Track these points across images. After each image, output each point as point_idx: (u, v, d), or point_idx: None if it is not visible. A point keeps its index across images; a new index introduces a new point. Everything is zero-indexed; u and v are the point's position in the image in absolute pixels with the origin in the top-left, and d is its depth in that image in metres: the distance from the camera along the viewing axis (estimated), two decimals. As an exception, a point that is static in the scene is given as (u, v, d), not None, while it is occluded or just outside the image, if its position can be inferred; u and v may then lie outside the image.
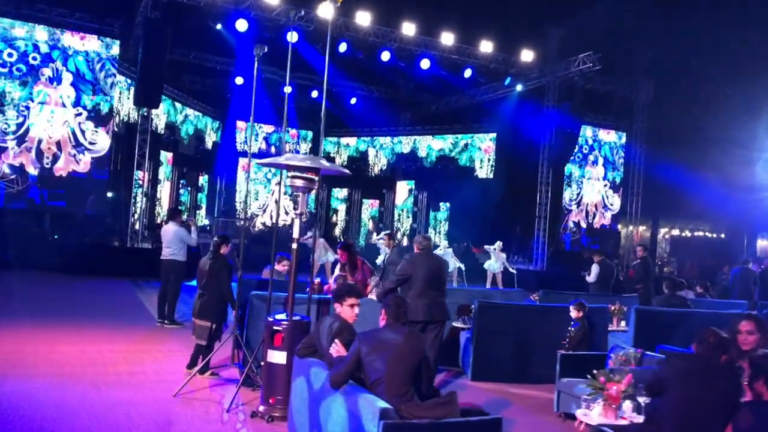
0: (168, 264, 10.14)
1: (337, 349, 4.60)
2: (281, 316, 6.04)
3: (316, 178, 6.07)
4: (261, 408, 5.89)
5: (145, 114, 19.98)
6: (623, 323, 9.29)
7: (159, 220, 24.38)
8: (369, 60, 21.37)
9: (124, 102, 21.98)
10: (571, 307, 7.97)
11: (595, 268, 12.55)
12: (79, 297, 13.13)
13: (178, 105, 25.62)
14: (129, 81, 21.77)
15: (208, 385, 6.86)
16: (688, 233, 33.90)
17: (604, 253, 13.21)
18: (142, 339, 9.16)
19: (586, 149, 24.95)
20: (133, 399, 6.18)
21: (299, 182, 6.03)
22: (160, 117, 23.61)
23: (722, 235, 34.32)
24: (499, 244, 18.81)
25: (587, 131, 25.00)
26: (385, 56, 20.87)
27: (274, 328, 5.89)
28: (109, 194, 20.19)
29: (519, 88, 22.92)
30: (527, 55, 22.01)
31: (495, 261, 18.39)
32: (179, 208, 10.54)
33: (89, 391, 6.33)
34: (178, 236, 10.08)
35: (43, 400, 5.90)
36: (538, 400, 7.23)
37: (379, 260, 16.31)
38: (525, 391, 7.58)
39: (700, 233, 35.30)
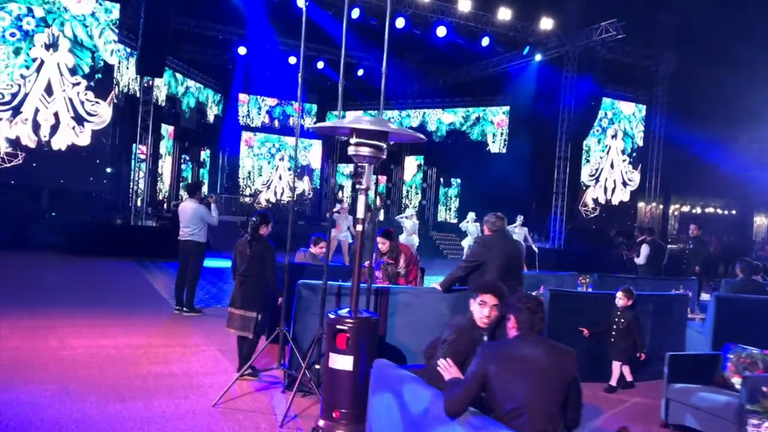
0: (187, 245, 9.04)
1: (445, 367, 3.53)
2: (344, 312, 4.97)
3: (385, 146, 4.98)
4: (321, 423, 4.83)
5: (147, 84, 18.72)
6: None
7: (161, 197, 23.24)
8: (383, 27, 20.08)
9: (123, 72, 20.68)
10: (619, 294, 6.93)
11: (644, 249, 11.51)
12: (83, 280, 12.02)
13: (179, 76, 24.33)
14: (128, 50, 20.47)
15: (251, 390, 5.80)
16: (699, 210, 32.96)
17: (651, 232, 12.17)
18: (162, 331, 8.08)
19: (605, 122, 23.84)
20: (165, 411, 5.12)
21: (365, 150, 4.94)
22: (160, 89, 22.32)
23: (733, 212, 33.49)
24: (520, 218, 17.48)
25: (605, 103, 23.89)
26: (400, 23, 19.64)
27: (338, 327, 4.83)
28: (109, 170, 18.98)
29: (538, 57, 21.74)
30: (547, 23, 20.83)
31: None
32: (198, 183, 9.30)
33: (113, 401, 5.26)
34: (198, 215, 8.96)
35: (58, 416, 4.83)
36: (638, 406, 6.21)
37: (402, 238, 15.30)
38: (616, 395, 6.58)
39: (711, 210, 34.41)
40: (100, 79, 17.02)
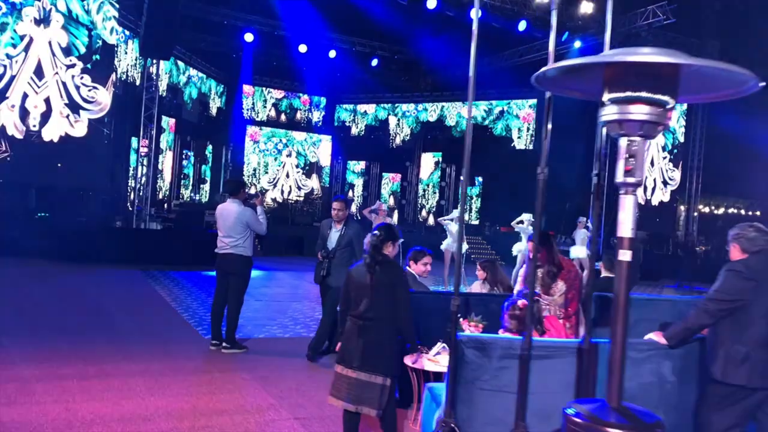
0: (227, 260, 6.73)
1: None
2: (591, 407, 2.72)
3: (672, 103, 2.71)
4: None
5: (150, 71, 16.31)
6: None
7: (161, 196, 20.81)
8: (412, 8, 17.90)
9: (121, 57, 18.24)
10: None
11: None
12: (81, 297, 9.66)
13: (180, 64, 21.89)
14: (127, 33, 18.04)
15: None
16: (722, 210, 30.89)
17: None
18: (206, 384, 5.74)
19: (643, 116, 21.75)
20: None
21: (639, 111, 2.70)
22: (161, 78, 19.89)
23: (758, 213, 31.58)
24: (583, 220, 14.97)
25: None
26: (431, 3, 17.42)
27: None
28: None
29: (577, 44, 19.58)
30: (587, 7, 18.72)
31: (580, 243, 14.73)
32: (240, 179, 6.81)
33: None
34: (243, 220, 6.66)
35: None
36: None
37: (445, 245, 13.08)
38: None
39: (734, 210, 32.36)
40: (98, 61, 14.64)
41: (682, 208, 22.06)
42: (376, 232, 4.12)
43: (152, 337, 7.28)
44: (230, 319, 6.71)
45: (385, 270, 3.95)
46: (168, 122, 21.11)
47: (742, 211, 29.39)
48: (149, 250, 13.65)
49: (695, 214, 22.02)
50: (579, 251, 14.31)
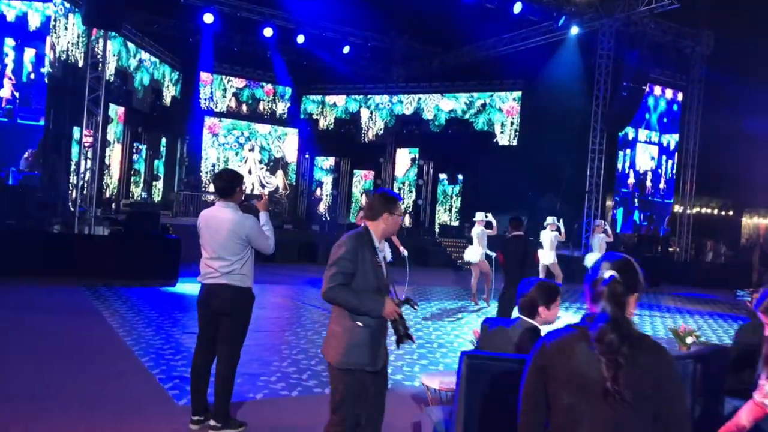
0: (218, 295, 4.30)
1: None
2: None
3: None
4: None
5: (96, 50, 13.55)
6: None
7: (108, 194, 18.01)
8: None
9: (60, 33, 15.45)
10: None
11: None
12: (2, 326, 7.05)
13: (131, 46, 19.12)
14: (67, 5, 15.29)
15: None
16: (709, 210, 29.47)
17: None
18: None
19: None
20: None
21: None
22: (108, 60, 17.11)
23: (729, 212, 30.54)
24: (551, 219, 12.36)
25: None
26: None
27: None
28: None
29: (575, 30, 17.67)
30: (584, -9, 16.89)
31: (548, 247, 11.90)
32: (236, 172, 4.36)
33: None
34: (241, 234, 4.27)
35: None
36: None
37: (471, 256, 10.87)
38: None
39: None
40: (28, 23, 11.87)
41: (678, 205, 20.49)
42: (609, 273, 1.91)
43: (93, 403, 4.82)
44: (221, 383, 4.32)
45: (644, 355, 1.74)
46: (116, 111, 18.33)
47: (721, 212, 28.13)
48: (95, 261, 11.03)
49: (690, 212, 20.45)
50: (596, 258, 12.32)
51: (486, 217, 10.92)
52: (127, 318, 8.00)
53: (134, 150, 19.79)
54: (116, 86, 18.08)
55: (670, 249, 20.47)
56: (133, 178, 19.76)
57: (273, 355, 6.58)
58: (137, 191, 20.07)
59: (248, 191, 21.74)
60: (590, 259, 12.41)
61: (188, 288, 10.64)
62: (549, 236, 11.69)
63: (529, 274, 7.04)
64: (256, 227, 4.37)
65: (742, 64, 20.00)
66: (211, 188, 21.68)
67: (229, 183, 4.44)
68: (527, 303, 3.35)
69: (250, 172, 22.97)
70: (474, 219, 10.99)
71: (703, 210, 26.04)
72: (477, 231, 10.71)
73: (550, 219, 11.72)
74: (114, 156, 18.56)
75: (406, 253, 10.46)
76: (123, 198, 18.91)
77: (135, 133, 19.62)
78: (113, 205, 17.78)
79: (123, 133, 18.94)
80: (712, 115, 19.94)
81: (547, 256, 11.68)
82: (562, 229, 11.99)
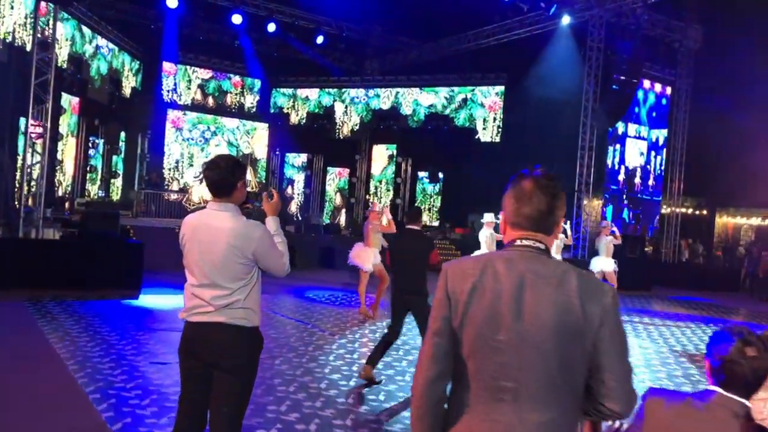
0: (209, 337, 2.89)
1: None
2: None
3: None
4: None
5: (45, 33, 11.87)
6: None
7: (60, 193, 16.27)
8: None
9: (5, 13, 13.70)
10: None
11: None
12: None
13: (86, 31, 17.35)
14: (13, -20, 13.55)
15: None
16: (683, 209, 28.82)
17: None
18: None
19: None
20: None
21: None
22: (61, 44, 15.37)
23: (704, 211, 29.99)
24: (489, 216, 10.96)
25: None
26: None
27: None
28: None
29: (567, 20, 16.61)
30: (576, -22, 15.87)
31: (554, 251, 11.10)
32: (240, 160, 3.20)
33: None
34: (246, 250, 2.85)
35: None
36: None
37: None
38: None
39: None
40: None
41: (666, 205, 19.66)
42: None
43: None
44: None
45: None
46: (70, 101, 16.55)
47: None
48: (42, 269, 9.38)
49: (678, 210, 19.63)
50: (603, 263, 11.19)
51: (497, 218, 9.66)
52: (79, 343, 6.49)
53: (90, 144, 18.00)
54: (70, 74, 16.33)
55: (646, 249, 19.64)
56: (89, 175, 17.98)
57: (264, 395, 5.17)
58: (94, 189, 18.30)
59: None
60: (597, 264, 11.28)
61: (153, 301, 9.14)
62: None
63: (422, 280, 5.67)
64: (267, 240, 2.98)
65: (729, 61, 19.30)
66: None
67: (227, 175, 3.02)
68: (737, 371, 2.05)
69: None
70: (482, 220, 9.70)
71: (678, 209, 25.39)
72: (486, 234, 9.43)
73: (487, 216, 9.94)
74: (67, 151, 16.78)
75: None
76: (78, 197, 17.13)
77: (91, 126, 17.82)
78: (66, 205, 15.99)
79: (78, 126, 17.16)
80: (696, 114, 19.17)
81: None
82: (569, 232, 10.87)
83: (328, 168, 22.30)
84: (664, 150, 19.69)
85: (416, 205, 6.21)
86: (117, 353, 6.17)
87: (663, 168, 19.59)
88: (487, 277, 1.79)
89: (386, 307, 10.03)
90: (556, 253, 10.59)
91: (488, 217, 9.63)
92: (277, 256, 3.02)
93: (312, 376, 5.85)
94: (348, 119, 22.11)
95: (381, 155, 21.76)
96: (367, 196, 21.51)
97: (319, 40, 20.27)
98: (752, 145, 19.14)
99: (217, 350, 2.91)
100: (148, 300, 9.26)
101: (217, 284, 2.90)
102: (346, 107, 22.13)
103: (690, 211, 27.75)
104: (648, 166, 19.80)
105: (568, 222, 11.02)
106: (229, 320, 2.92)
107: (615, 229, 11.60)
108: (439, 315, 1.84)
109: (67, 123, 16.42)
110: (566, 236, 10.73)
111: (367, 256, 8.84)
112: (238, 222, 2.94)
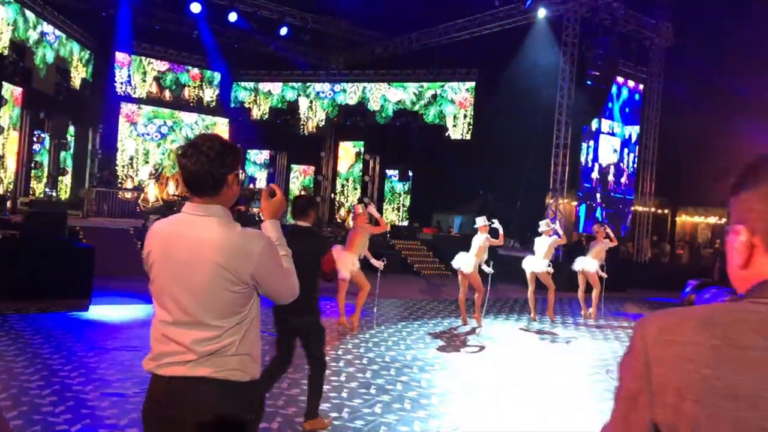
0: (196, 400, 1.97)
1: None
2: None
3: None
4: None
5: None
6: None
7: (1, 191, 14.87)
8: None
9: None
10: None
11: None
12: None
13: (30, 15, 15.93)
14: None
15: None
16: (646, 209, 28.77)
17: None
18: None
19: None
20: None
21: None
22: (1, 29, 14.02)
23: (665, 211, 30.02)
24: (481, 221, 9.79)
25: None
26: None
27: None
28: None
29: (542, 13, 15.99)
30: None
31: (539, 255, 9.95)
32: (233, 144, 2.35)
33: None
34: (244, 271, 1.97)
35: None
36: None
37: (460, 264, 8.73)
38: None
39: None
40: None
41: (639, 204, 19.27)
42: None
43: None
44: None
45: None
46: (11, 91, 15.13)
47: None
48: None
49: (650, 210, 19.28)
50: (587, 263, 10.45)
51: (492, 223, 8.80)
52: (14, 370, 5.39)
53: (35, 139, 16.55)
54: (11, 62, 14.92)
55: (622, 249, 19.27)
56: (33, 172, 16.54)
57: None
58: (39, 187, 16.88)
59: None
60: (581, 264, 10.57)
61: (105, 313, 8.04)
62: (544, 243, 9.77)
63: (313, 293, 4.24)
64: (272, 256, 2.05)
65: (698, 61, 19.08)
66: (128, 184, 18.58)
67: (212, 164, 2.05)
68: None
69: (174, 166, 20.05)
70: (475, 225, 8.83)
71: (649, 209, 25.19)
72: (479, 240, 8.57)
73: (480, 221, 9.07)
74: (9, 145, 15.36)
75: (381, 266, 8.37)
76: (22, 195, 15.70)
77: (36, 119, 16.37)
78: (8, 204, 14.58)
79: (21, 119, 15.72)
80: (666, 112, 18.86)
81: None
82: (560, 231, 10.15)
83: (292, 165, 21.26)
84: (637, 147, 19.32)
85: (303, 193, 5.44)
86: (61, 383, 5.11)
87: (636, 166, 19.21)
88: (724, 364, 0.90)
89: (367, 315, 9.18)
90: (543, 257, 9.84)
91: (481, 221, 8.78)
92: (283, 276, 2.10)
93: (300, 388, 4.91)
94: (313, 115, 21.13)
95: (348, 152, 20.83)
96: (333, 195, 20.56)
97: (283, 31, 19.25)
98: (715, 145, 18.99)
99: (199, 416, 1.98)
100: (99, 312, 8.14)
101: (201, 322, 1.97)
102: (311, 102, 21.15)
103: (656, 210, 27.66)
104: (621, 164, 19.41)
105: (557, 221, 10.30)
106: (217, 373, 1.99)
107: (609, 231, 10.87)
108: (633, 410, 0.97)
109: (8, 115, 15.01)
110: (559, 236, 10.00)
111: (344, 263, 7.94)
112: (230, 232, 2.00)
